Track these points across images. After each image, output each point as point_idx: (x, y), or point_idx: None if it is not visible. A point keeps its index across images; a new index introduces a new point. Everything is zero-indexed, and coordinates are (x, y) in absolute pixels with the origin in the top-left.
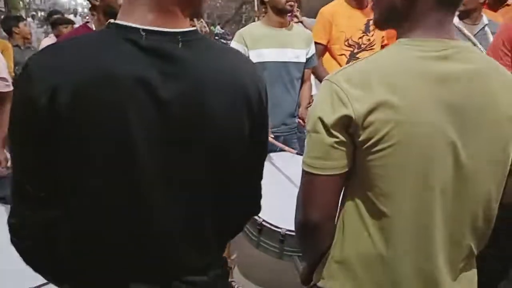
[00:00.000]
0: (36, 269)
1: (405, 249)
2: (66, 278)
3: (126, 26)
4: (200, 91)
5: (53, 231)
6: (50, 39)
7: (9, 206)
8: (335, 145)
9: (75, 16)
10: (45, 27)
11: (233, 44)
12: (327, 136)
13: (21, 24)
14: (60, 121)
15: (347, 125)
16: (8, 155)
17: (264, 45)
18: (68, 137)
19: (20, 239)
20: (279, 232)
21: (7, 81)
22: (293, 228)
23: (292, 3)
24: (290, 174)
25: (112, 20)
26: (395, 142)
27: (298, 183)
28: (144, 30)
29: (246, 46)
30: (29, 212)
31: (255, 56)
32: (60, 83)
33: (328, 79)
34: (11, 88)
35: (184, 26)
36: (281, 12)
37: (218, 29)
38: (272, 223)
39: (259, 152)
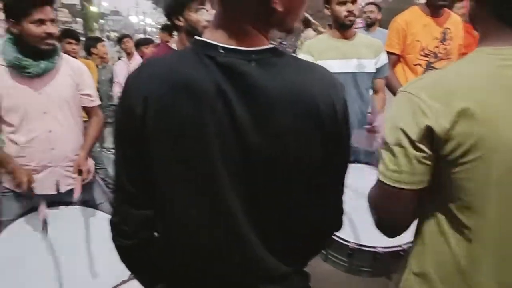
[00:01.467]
0: (132, 267)
1: (487, 263)
2: (157, 280)
3: (207, 43)
4: (269, 109)
5: (151, 231)
6: (123, 62)
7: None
8: (421, 159)
9: (144, 35)
10: (117, 47)
11: (301, 55)
12: (412, 149)
13: (99, 45)
14: (149, 129)
15: (430, 138)
16: (92, 163)
17: (329, 56)
18: (155, 145)
19: (122, 237)
20: (348, 246)
21: (91, 96)
22: (362, 243)
23: (352, 18)
24: (357, 187)
25: (197, 37)
26: (479, 156)
27: (365, 196)
28: (222, 47)
29: (313, 57)
30: (130, 211)
31: None
32: (150, 94)
33: (406, 90)
34: (96, 103)
35: (261, 44)
36: (342, 26)
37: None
38: (341, 236)
39: (338, 166)
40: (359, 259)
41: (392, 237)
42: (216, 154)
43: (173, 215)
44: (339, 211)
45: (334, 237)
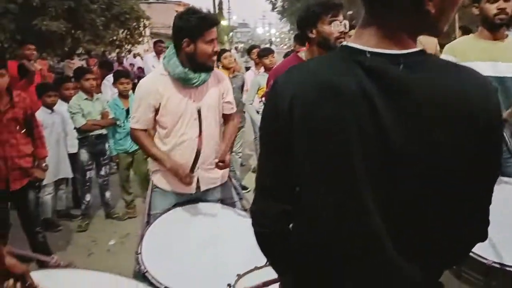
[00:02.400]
0: (266, 254)
1: None
2: (290, 269)
3: (354, 48)
4: (418, 113)
5: (287, 224)
6: (252, 72)
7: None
8: None
9: (270, 45)
10: (245, 57)
11: (443, 56)
12: None
13: (226, 55)
14: (294, 130)
15: None
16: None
17: (474, 57)
18: (298, 143)
19: (260, 225)
20: (485, 263)
21: (231, 104)
22: (504, 262)
23: (503, 16)
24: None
25: (344, 43)
26: None
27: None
28: (369, 52)
29: (456, 59)
30: (269, 204)
31: None
32: (296, 94)
33: None
34: (234, 109)
35: (409, 48)
36: (491, 26)
37: None
38: (477, 252)
39: (488, 174)
40: (498, 279)
41: None
42: (357, 155)
43: (310, 211)
44: (486, 221)
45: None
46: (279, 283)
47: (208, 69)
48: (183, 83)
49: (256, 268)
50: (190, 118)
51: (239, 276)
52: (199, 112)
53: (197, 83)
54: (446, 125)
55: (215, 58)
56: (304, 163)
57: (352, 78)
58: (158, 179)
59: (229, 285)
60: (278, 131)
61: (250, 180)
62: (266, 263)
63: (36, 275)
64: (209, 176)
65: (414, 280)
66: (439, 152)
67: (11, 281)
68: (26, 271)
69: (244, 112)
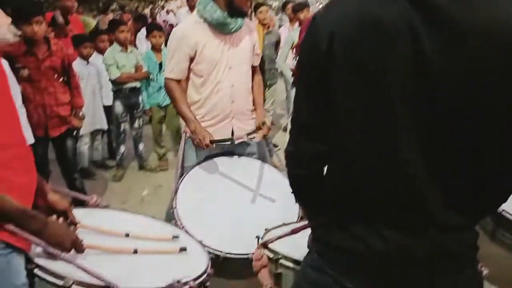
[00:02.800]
0: (301, 197)
1: None
2: (324, 211)
3: None
4: (463, 44)
5: (322, 165)
6: (286, 28)
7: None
8: None
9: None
10: (280, 14)
11: None
12: None
13: (262, 9)
14: (334, 66)
15: None
16: None
17: None
18: (337, 80)
19: (295, 167)
20: None
21: (259, 56)
22: None
23: None
24: None
25: None
26: None
27: None
28: None
29: None
30: (306, 144)
31: None
32: (336, 30)
33: None
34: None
35: None
36: None
37: None
38: None
39: None
40: None
41: None
42: (398, 92)
43: (346, 152)
44: None
45: (505, 214)
46: (310, 228)
47: (244, 15)
48: (219, 29)
49: (284, 225)
50: (226, 66)
51: (267, 230)
52: (233, 60)
53: (233, 29)
54: (490, 56)
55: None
56: (343, 100)
57: (395, 8)
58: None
59: (257, 237)
60: (317, 68)
61: (281, 138)
62: (298, 218)
63: (77, 213)
64: (243, 127)
65: (450, 224)
66: (485, 86)
67: (54, 217)
68: (68, 207)
69: (276, 69)
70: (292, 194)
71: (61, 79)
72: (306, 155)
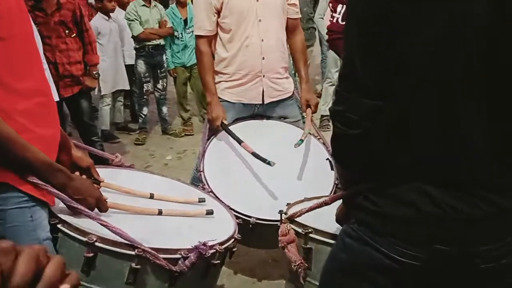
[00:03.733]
0: (345, 160)
1: None
2: (369, 176)
3: None
4: None
5: (374, 121)
6: None
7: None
8: None
9: None
10: None
11: None
12: None
13: None
14: (393, 13)
15: None
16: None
17: None
18: (398, 29)
19: (346, 125)
20: None
21: (296, 7)
22: None
23: None
24: None
25: None
26: None
27: None
28: None
29: None
30: (359, 100)
31: None
32: None
33: None
34: (299, 15)
35: None
36: None
37: None
38: None
39: None
40: None
41: None
42: (462, 44)
43: (401, 108)
44: None
45: None
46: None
47: None
48: None
49: (306, 200)
50: (255, 18)
51: (290, 205)
52: (263, 12)
53: None
54: None
55: None
56: (404, 52)
57: None
58: (222, 91)
59: (281, 211)
60: (375, 17)
61: None
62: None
63: (100, 172)
64: (275, 87)
65: (501, 181)
66: None
67: (77, 173)
68: (91, 164)
69: (315, 29)
70: (334, 158)
71: (73, 35)
72: (358, 113)
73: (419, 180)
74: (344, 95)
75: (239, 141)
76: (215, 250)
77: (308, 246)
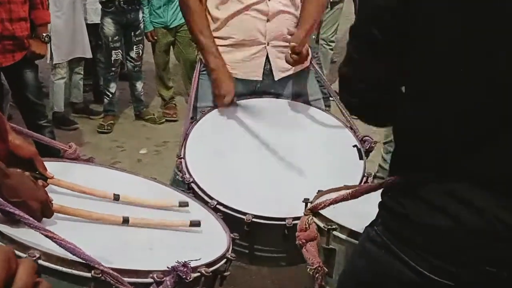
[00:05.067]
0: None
1: None
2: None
3: None
4: None
5: (386, 90)
6: None
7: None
8: None
9: None
10: None
11: None
12: None
13: None
14: None
15: None
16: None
17: None
18: None
19: (353, 91)
20: None
21: None
22: None
23: None
24: None
25: None
26: None
27: None
28: None
29: None
30: (370, 65)
31: None
32: None
33: None
34: None
35: None
36: None
37: None
38: None
39: None
40: None
41: None
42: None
43: (432, 82)
44: None
45: None
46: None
47: None
48: None
49: (346, 187)
50: None
51: (321, 193)
52: None
53: None
54: None
55: None
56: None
57: None
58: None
59: (306, 200)
60: None
61: None
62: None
63: (48, 165)
64: (282, 58)
65: None
66: None
67: (17, 169)
68: (35, 155)
69: None
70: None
71: None
72: (368, 80)
73: (454, 179)
74: (353, 58)
75: None
76: (199, 274)
77: (330, 246)
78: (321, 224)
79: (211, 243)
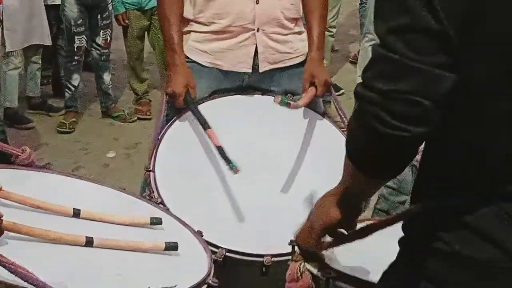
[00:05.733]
0: (371, 169)
1: None
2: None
3: None
4: None
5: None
6: None
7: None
8: None
9: None
10: None
11: None
12: None
13: None
14: None
15: None
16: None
17: None
18: None
19: (402, 119)
20: None
21: None
22: None
23: None
24: None
25: None
26: None
27: None
28: None
29: None
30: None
31: None
32: None
33: None
34: None
35: None
36: None
37: None
38: None
39: None
40: None
41: None
42: None
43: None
44: None
45: None
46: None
47: None
48: None
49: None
50: None
51: None
52: None
53: None
54: None
55: None
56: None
57: None
58: (190, 47)
59: (292, 241)
60: None
61: (346, 76)
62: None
63: None
64: (276, 47)
65: None
66: None
67: None
68: None
69: None
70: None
71: None
72: (434, 95)
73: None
74: (405, 63)
75: (205, 126)
76: None
77: None
78: (316, 271)
79: (189, 267)
